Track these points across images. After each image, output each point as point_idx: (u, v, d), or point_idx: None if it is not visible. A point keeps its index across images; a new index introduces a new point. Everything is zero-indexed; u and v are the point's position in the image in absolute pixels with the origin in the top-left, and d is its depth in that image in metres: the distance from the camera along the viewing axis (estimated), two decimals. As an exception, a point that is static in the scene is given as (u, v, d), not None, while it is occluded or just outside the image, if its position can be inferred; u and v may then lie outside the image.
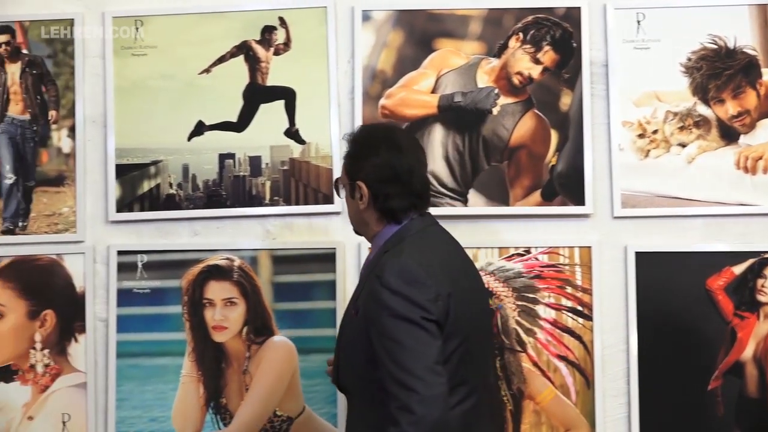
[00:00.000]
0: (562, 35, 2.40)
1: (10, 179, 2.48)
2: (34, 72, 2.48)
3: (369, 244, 1.92)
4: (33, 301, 2.44)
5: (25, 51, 2.50)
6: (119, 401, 2.43)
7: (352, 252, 2.42)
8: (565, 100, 2.40)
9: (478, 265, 2.36)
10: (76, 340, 2.44)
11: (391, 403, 1.60)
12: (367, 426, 1.73)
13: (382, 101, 2.44)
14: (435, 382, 1.59)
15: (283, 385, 2.41)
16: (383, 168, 1.77)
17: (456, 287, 1.71)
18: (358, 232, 1.92)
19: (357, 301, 1.77)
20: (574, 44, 2.40)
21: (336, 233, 2.43)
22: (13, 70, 2.49)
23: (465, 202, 2.41)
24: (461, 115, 2.41)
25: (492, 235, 2.41)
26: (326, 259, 2.42)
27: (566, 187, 2.38)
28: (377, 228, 1.82)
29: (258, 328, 2.41)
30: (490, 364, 2.12)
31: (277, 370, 2.41)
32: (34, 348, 2.43)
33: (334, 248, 2.41)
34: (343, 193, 1.90)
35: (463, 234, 2.31)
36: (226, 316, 2.41)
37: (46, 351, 2.43)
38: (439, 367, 1.61)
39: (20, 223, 2.47)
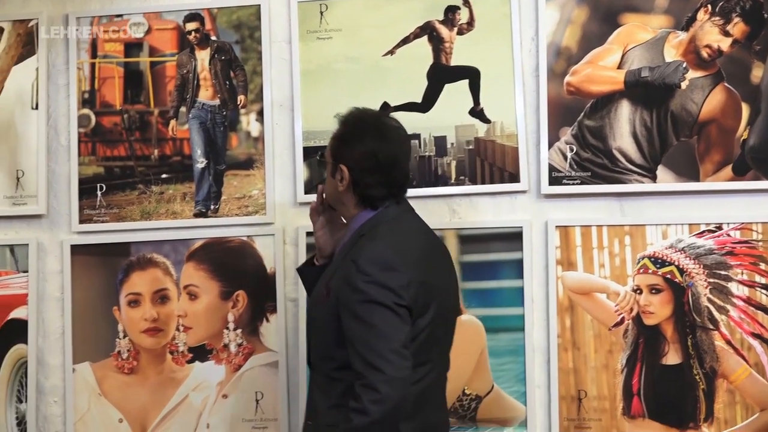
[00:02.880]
0: (752, 6, 3.22)
1: (201, 163, 3.46)
2: (223, 58, 3.48)
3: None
4: (225, 282, 3.41)
5: (213, 38, 3.53)
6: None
7: (539, 230, 3.33)
8: (757, 73, 3.22)
9: (667, 242, 3.23)
10: (267, 320, 3.40)
11: (356, 381, 2.28)
12: (325, 402, 2.46)
13: (567, 78, 3.33)
14: (401, 365, 2.27)
15: (471, 364, 3.32)
16: (367, 157, 2.47)
17: (427, 271, 2.43)
18: (334, 208, 2.67)
19: (329, 282, 2.46)
20: (766, 15, 3.21)
21: (522, 212, 3.35)
22: (203, 56, 3.49)
23: (654, 178, 3.26)
24: (649, 91, 3.27)
25: (682, 212, 3.26)
26: (512, 237, 3.33)
27: (759, 161, 3.20)
28: (354, 211, 2.54)
29: (446, 307, 3.30)
30: (451, 341, 2.67)
31: (465, 349, 3.30)
32: (227, 328, 3.40)
33: (521, 227, 3.32)
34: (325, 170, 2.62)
35: (652, 211, 3.19)
36: (414, 296, 3.30)
37: (238, 331, 3.39)
38: (406, 351, 2.30)
39: (212, 206, 3.45)
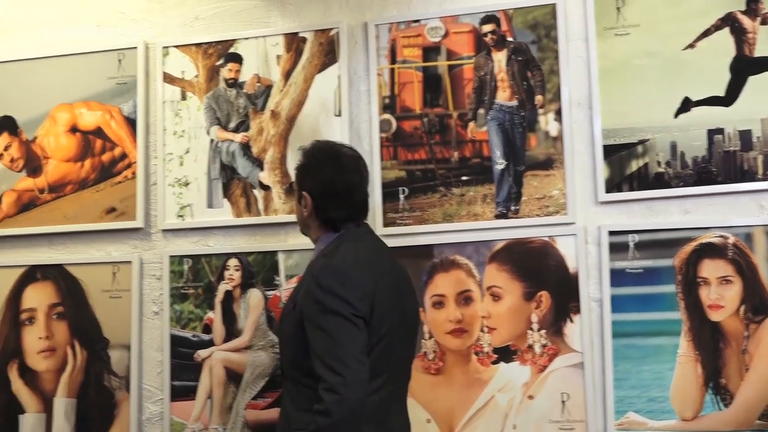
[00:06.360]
0: None
1: (501, 164, 4.31)
2: (520, 59, 4.30)
3: None
4: (528, 282, 4.22)
5: (510, 39, 4.33)
6: (617, 381, 4.11)
7: None
8: None
9: None
10: (571, 321, 4.19)
11: (319, 385, 2.96)
12: (296, 407, 3.18)
13: None
14: (358, 369, 2.98)
15: (784, 366, 3.92)
16: (325, 184, 3.32)
17: (381, 287, 3.18)
18: (303, 232, 3.52)
19: (296, 296, 3.24)
20: None
21: (836, 206, 3.92)
22: (500, 58, 4.34)
23: None
24: None
25: None
26: (826, 233, 3.91)
27: None
28: (318, 234, 3.39)
29: (756, 306, 3.96)
30: (412, 356, 3.54)
31: (778, 350, 3.93)
32: (531, 329, 4.21)
33: (835, 222, 3.90)
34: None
35: None
36: (721, 295, 3.99)
37: (542, 331, 4.21)
38: (363, 356, 3.02)
39: (512, 207, 4.28)
